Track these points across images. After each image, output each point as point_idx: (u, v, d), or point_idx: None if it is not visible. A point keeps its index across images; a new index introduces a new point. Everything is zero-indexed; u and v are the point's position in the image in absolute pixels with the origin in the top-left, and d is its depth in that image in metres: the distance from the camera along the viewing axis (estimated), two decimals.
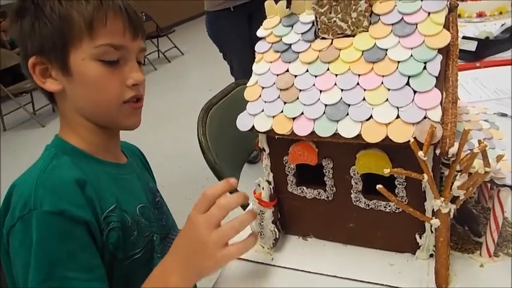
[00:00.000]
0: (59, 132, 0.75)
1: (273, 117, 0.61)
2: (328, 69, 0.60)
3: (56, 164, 0.67)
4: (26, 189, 0.61)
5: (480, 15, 1.74)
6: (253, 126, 0.62)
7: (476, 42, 1.35)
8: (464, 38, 1.40)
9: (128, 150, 0.88)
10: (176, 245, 0.62)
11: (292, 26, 0.66)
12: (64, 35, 0.66)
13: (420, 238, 0.61)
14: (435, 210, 0.53)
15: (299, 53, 0.63)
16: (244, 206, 1.08)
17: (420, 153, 0.49)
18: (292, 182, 0.67)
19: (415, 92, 0.53)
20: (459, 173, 0.50)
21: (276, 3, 0.68)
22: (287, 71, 0.63)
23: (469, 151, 0.50)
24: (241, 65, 2.39)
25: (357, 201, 0.63)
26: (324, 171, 0.63)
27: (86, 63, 0.67)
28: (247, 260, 0.68)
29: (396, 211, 0.61)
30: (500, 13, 1.72)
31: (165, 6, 7.51)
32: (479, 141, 0.48)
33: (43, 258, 0.58)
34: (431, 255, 0.61)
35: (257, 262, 0.68)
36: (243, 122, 0.63)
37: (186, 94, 4.38)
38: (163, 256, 0.77)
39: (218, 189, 0.60)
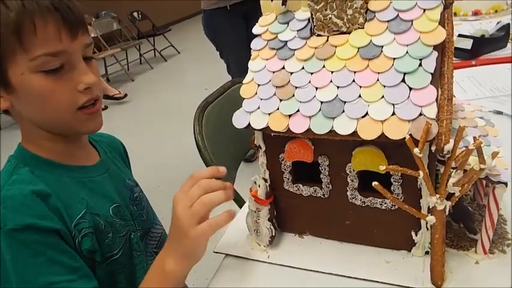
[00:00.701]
0: (21, 141, 0.71)
1: (269, 114, 0.61)
2: (323, 66, 0.60)
3: (16, 178, 0.64)
4: None
5: (476, 13, 1.75)
6: (249, 124, 0.62)
7: (472, 40, 1.35)
8: (460, 36, 1.41)
9: (106, 145, 0.85)
10: (169, 232, 0.64)
11: (288, 23, 0.65)
12: None
13: (416, 235, 0.61)
14: (431, 207, 0.53)
15: (295, 50, 0.63)
16: (240, 204, 1.08)
17: (416, 150, 0.49)
18: (288, 179, 0.67)
19: (410, 88, 0.53)
20: (454, 170, 0.50)
21: (272, 1, 0.68)
22: (283, 68, 0.63)
23: (464, 148, 0.50)
24: (238, 63, 2.39)
25: (352, 198, 0.63)
26: (320, 168, 0.63)
27: (26, 78, 0.61)
28: (244, 258, 0.68)
29: (392, 208, 0.61)
30: (496, 11, 1.73)
31: (161, 5, 7.50)
32: (475, 138, 0.48)
33: (23, 272, 0.57)
34: (427, 253, 0.61)
35: (253, 260, 0.68)
36: (239, 120, 0.63)
37: (182, 93, 4.37)
38: (143, 253, 0.77)
39: (206, 173, 0.62)
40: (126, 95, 4.48)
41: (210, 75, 4.10)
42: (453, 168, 0.51)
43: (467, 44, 1.35)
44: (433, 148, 0.51)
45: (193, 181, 0.61)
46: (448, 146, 0.50)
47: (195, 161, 1.25)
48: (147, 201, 0.87)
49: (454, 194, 0.51)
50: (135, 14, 6.13)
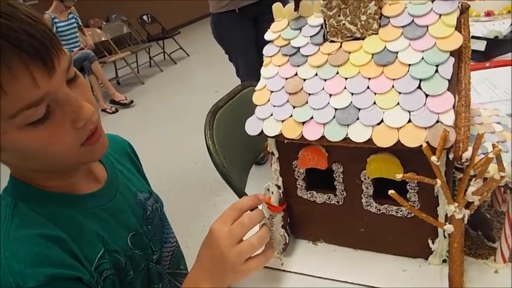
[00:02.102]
0: (12, 172, 0.60)
1: (282, 121, 0.60)
2: (337, 73, 0.59)
3: (19, 223, 0.55)
4: None
5: (488, 14, 1.72)
6: (262, 131, 0.61)
7: (486, 42, 1.33)
8: (473, 37, 1.39)
9: (112, 151, 0.77)
10: (201, 255, 0.62)
11: (301, 29, 0.65)
12: None
13: (433, 243, 0.60)
14: (449, 215, 0.52)
15: (308, 56, 0.62)
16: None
17: (433, 158, 0.48)
18: (301, 186, 0.66)
19: (427, 95, 0.52)
20: (474, 179, 0.49)
21: (284, 6, 0.67)
22: (296, 74, 0.62)
23: (482, 155, 0.49)
24: (247, 66, 2.40)
25: (367, 205, 0.62)
26: (334, 175, 0.62)
27: (12, 136, 0.50)
28: None
29: (408, 216, 0.60)
30: (509, 12, 1.70)
31: (170, 7, 7.54)
32: (493, 145, 0.47)
33: None
34: (444, 261, 0.60)
35: (267, 267, 0.67)
36: (252, 127, 0.62)
37: (192, 95, 4.39)
38: (161, 283, 0.75)
39: (248, 203, 0.62)
40: (132, 102, 4.51)
41: (220, 78, 4.11)
42: (471, 176, 0.50)
43: (480, 46, 1.33)
44: (451, 156, 0.50)
45: (235, 213, 0.60)
46: (467, 154, 0.49)
47: (206, 164, 1.25)
48: (159, 215, 0.82)
49: (472, 202, 0.50)
50: (144, 17, 6.17)
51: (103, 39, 5.19)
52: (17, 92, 0.47)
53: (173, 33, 6.39)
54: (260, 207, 0.68)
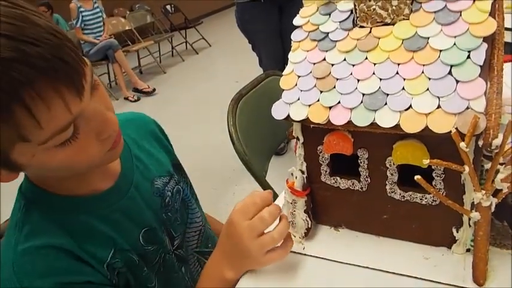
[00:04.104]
0: (29, 175, 0.61)
1: (309, 106, 0.60)
2: (366, 58, 0.59)
3: (29, 231, 0.56)
4: (8, 280, 0.53)
5: None
6: (288, 115, 0.62)
7: None
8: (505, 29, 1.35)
9: (135, 130, 0.76)
10: (223, 243, 0.65)
11: (330, 15, 0.65)
12: None
13: (457, 232, 0.59)
14: (475, 203, 0.52)
15: (336, 41, 0.62)
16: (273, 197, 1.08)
17: (462, 144, 0.48)
18: (325, 171, 0.66)
19: (457, 81, 0.52)
20: (503, 166, 0.49)
21: None
22: (324, 59, 0.62)
23: None
24: (270, 56, 2.39)
25: (391, 192, 0.62)
26: (359, 161, 0.62)
27: (40, 157, 0.49)
28: None
29: (432, 203, 0.60)
30: None
31: None
32: None
33: None
34: (467, 250, 0.60)
35: None
36: (278, 111, 0.63)
37: (212, 85, 4.42)
38: (185, 267, 0.77)
39: (268, 198, 0.63)
40: (154, 90, 4.57)
41: (241, 68, 4.13)
42: (500, 163, 0.49)
43: (507, 37, 1.30)
44: (481, 143, 0.50)
45: (255, 208, 0.61)
46: (497, 141, 0.48)
47: (225, 153, 1.26)
48: (181, 197, 0.81)
49: (501, 190, 0.50)
50: (168, 7, 6.21)
51: (127, 28, 5.25)
52: (50, 122, 0.46)
53: (195, 23, 6.41)
54: (283, 192, 0.70)
